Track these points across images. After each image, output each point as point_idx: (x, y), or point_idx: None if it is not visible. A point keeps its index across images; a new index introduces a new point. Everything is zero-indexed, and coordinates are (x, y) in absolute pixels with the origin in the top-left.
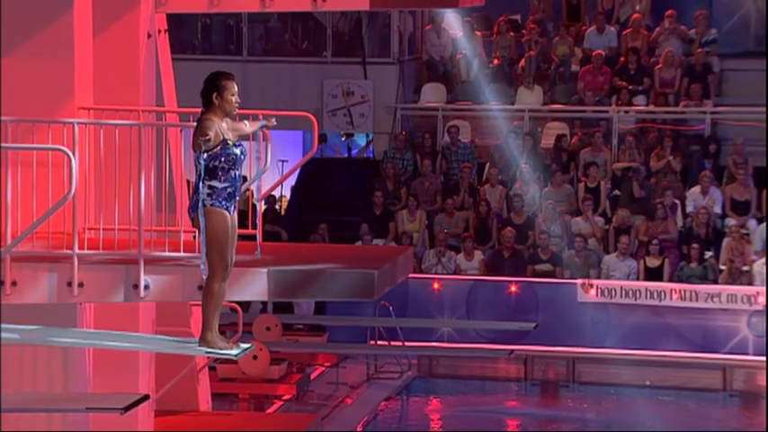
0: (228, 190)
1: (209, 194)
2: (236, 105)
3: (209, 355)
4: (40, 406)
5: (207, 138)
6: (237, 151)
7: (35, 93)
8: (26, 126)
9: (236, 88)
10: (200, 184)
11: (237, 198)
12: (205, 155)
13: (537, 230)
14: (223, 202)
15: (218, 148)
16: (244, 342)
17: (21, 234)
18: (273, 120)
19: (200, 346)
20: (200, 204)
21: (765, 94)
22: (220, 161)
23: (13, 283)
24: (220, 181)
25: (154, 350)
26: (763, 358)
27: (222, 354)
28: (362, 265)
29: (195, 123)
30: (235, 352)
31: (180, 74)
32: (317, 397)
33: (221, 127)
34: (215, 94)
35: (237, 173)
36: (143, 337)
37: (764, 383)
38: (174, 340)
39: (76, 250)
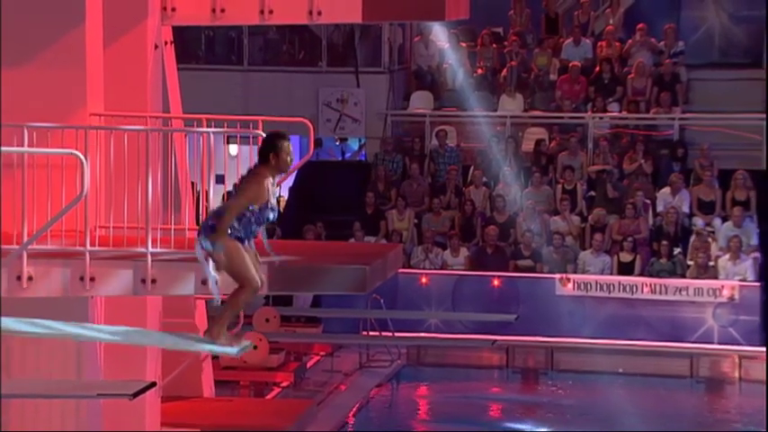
0: (237, 235)
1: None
2: (290, 163)
3: (211, 351)
4: (54, 393)
5: (259, 205)
6: (270, 216)
7: (50, 100)
8: (42, 131)
9: (291, 148)
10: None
11: (254, 235)
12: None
13: (518, 228)
14: (233, 234)
15: (257, 207)
16: (243, 332)
17: (36, 232)
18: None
19: (204, 335)
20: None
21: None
22: (253, 215)
23: (29, 278)
24: (238, 224)
25: (160, 346)
26: (727, 347)
27: (223, 351)
28: (355, 261)
29: (248, 172)
30: (235, 350)
31: (185, 82)
32: (313, 384)
33: (269, 188)
34: (272, 154)
35: (257, 228)
36: (149, 333)
37: (728, 370)
38: (179, 336)
39: (88, 247)
